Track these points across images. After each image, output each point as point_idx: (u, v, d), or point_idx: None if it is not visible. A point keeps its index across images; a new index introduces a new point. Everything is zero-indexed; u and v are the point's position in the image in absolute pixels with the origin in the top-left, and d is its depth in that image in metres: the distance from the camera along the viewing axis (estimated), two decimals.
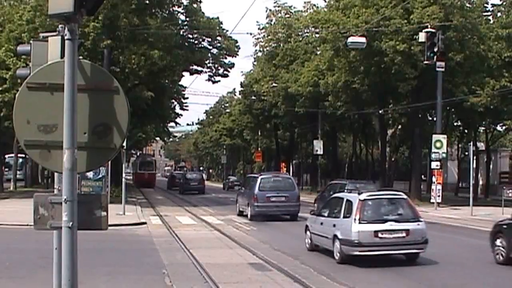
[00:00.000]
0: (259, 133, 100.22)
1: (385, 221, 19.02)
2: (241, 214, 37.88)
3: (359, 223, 18.78)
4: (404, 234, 18.97)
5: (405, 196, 20.45)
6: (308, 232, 22.76)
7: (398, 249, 19.23)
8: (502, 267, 19.26)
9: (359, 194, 19.94)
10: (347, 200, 20.06)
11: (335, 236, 19.65)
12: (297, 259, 20.44)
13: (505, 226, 19.94)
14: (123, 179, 38.62)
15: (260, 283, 16.16)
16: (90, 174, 33.65)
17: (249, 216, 35.45)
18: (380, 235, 18.78)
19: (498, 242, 19.62)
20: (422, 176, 64.17)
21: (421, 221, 19.51)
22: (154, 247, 22.97)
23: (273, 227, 32.32)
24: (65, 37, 7.02)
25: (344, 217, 19.70)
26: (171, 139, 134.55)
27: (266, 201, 35.02)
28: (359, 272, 18.48)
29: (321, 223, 21.33)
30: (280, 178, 38.64)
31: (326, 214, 21.48)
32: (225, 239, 26.46)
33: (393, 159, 77.10)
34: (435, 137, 46.84)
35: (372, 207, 19.54)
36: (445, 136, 48.99)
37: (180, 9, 54.91)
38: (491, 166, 70.53)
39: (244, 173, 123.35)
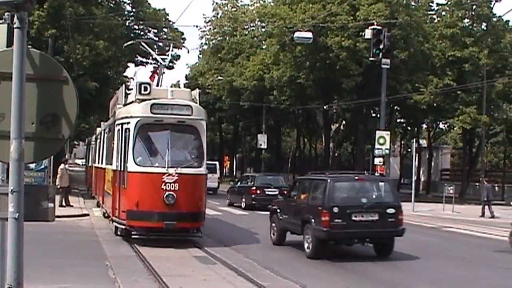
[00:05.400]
0: None
1: None
2: None
3: None
4: None
5: None
6: None
7: None
8: (443, 262, 19.57)
9: None
10: None
11: None
12: (240, 252, 20.46)
13: None
14: (67, 170, 38.24)
15: (204, 276, 16.12)
16: (32, 165, 33.25)
17: None
18: None
19: None
20: (365, 172, 64.74)
21: None
22: (97, 239, 22.76)
23: (218, 221, 32.27)
24: (14, 26, 6.92)
25: None
26: None
27: None
28: (303, 266, 18.60)
29: None
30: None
31: None
32: None
33: (336, 154, 77.71)
34: (378, 133, 47.18)
35: None
36: (389, 132, 49.36)
37: (126, 0, 54.55)
38: (432, 163, 71.64)
39: None
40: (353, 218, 19.88)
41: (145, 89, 22.39)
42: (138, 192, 21.54)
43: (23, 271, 7.02)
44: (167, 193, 20.93)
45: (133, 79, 34.83)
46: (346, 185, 21.36)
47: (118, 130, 23.43)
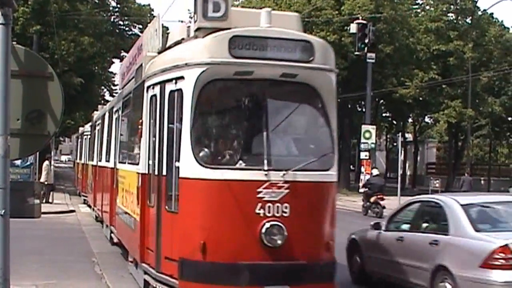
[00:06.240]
0: None
1: None
2: None
3: None
4: None
5: None
6: None
7: None
8: None
9: None
10: None
11: None
12: None
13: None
14: (52, 166, 38.16)
15: None
16: (17, 161, 33.19)
17: None
18: None
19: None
20: (351, 166, 64.87)
21: None
22: (83, 236, 22.70)
23: None
24: None
25: None
26: None
27: None
28: None
29: None
30: None
31: None
32: None
33: None
34: (364, 127, 47.27)
35: None
36: (374, 126, 49.51)
37: None
38: (418, 157, 71.88)
39: None
40: None
41: (217, 8, 10.22)
42: (206, 221, 10.04)
43: (9, 267, 7.02)
44: (268, 223, 9.74)
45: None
46: None
47: (153, 97, 11.58)
